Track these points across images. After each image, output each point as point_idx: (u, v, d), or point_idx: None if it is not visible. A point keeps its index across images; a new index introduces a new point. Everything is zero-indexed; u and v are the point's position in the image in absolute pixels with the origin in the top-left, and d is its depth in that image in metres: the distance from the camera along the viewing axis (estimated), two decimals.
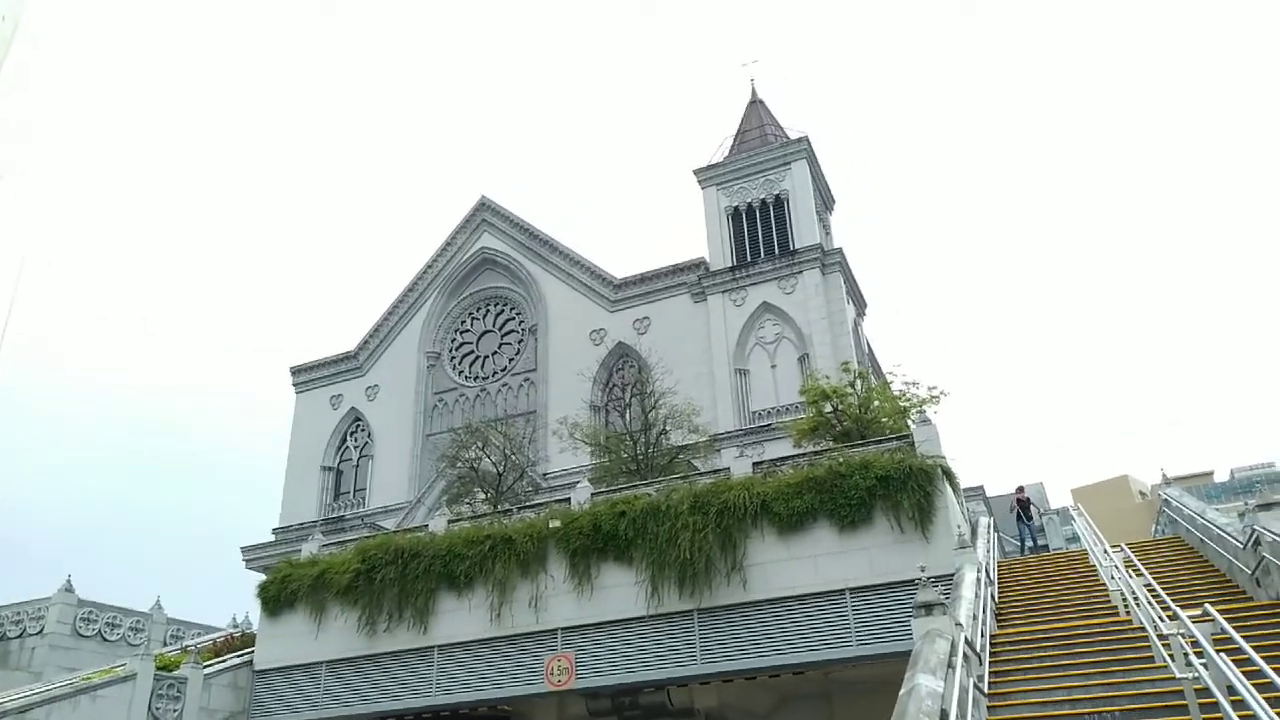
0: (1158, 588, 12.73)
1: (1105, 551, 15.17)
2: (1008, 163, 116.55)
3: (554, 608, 18.80)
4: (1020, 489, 27.54)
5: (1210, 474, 77.73)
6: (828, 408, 22.93)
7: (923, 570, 10.31)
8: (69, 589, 27.41)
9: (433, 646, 19.68)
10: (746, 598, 17.28)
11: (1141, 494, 63.83)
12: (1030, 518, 25.93)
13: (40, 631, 26.70)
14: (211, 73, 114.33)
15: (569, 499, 20.40)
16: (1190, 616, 8.12)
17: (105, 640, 27.66)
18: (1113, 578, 13.67)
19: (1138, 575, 12.46)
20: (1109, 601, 13.81)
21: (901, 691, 7.43)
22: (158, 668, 19.50)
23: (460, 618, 19.56)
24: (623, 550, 18.42)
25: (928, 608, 9.11)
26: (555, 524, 19.19)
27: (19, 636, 26.93)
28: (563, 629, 18.67)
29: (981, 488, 32.27)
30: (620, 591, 18.32)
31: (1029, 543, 25.39)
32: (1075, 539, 33.89)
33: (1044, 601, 15.35)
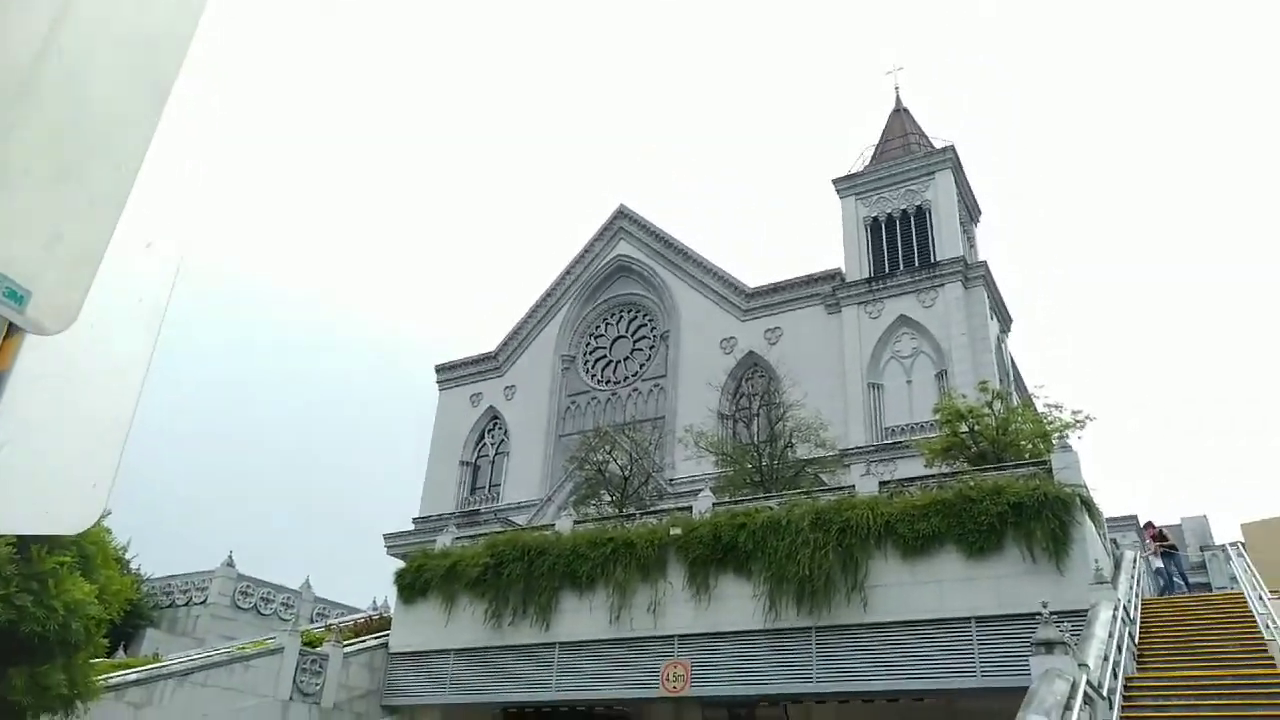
0: None
1: (1261, 597, 14.06)
2: (1180, 167, 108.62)
3: (671, 614, 18.97)
4: (1150, 524, 25.89)
5: None
6: (963, 428, 22.19)
7: (1044, 606, 9.90)
8: (230, 564, 29.73)
9: (554, 643, 20.22)
10: (867, 619, 16.94)
11: None
12: (1173, 552, 24.26)
13: (204, 601, 29.11)
14: (373, 74, 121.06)
15: (690, 507, 20.57)
16: None
17: (260, 614, 29.87)
18: (1268, 626, 12.68)
19: None
20: (1266, 651, 12.80)
21: None
22: (303, 643, 20.88)
23: (581, 617, 20.02)
24: (742, 563, 18.41)
25: (1048, 645, 8.75)
26: (676, 531, 19.38)
27: (186, 605, 29.45)
28: (680, 636, 18.81)
29: (1135, 517, 30.40)
30: (738, 603, 18.31)
31: (1178, 580, 23.71)
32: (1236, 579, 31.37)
33: (1190, 646, 14.34)
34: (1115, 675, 10.92)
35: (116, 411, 1.99)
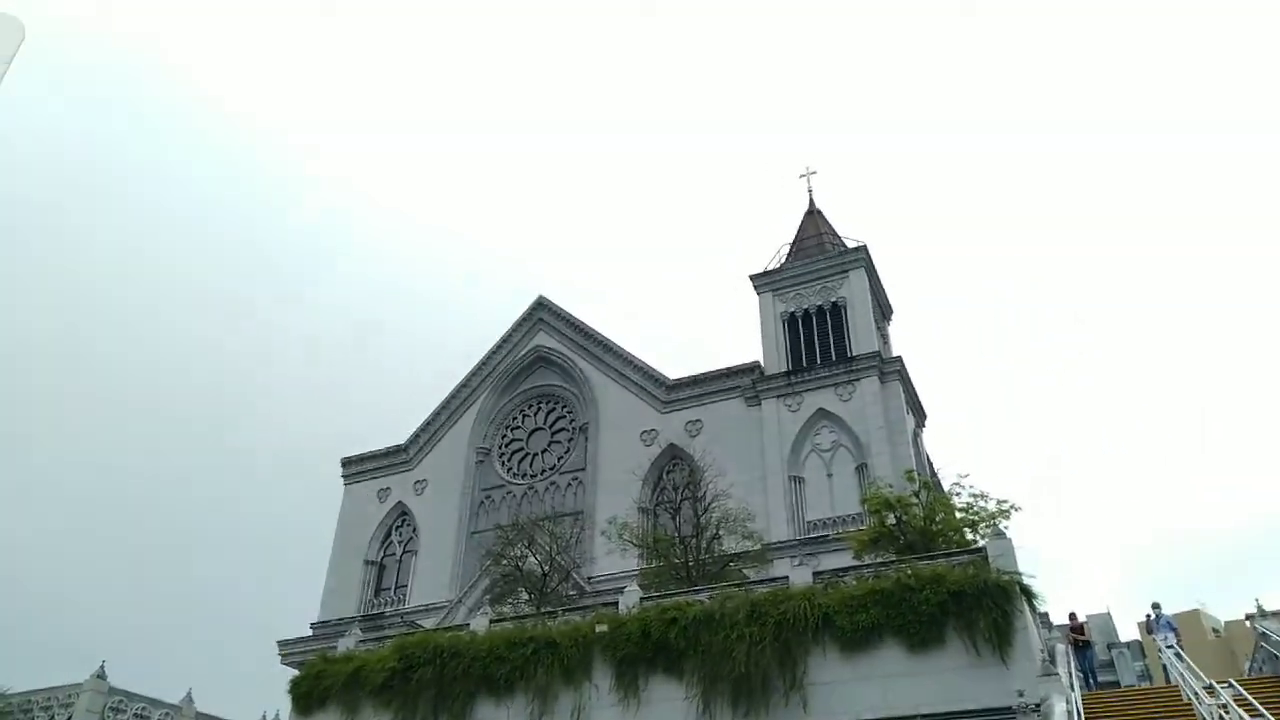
0: None
1: (1207, 689, 13.77)
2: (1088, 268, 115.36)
3: None
4: (1073, 615, 25.84)
5: None
6: (890, 518, 21.90)
7: (1020, 695, 9.29)
8: (101, 675, 26.77)
9: None
10: None
11: (1215, 631, 59.78)
12: (1088, 647, 24.00)
13: (69, 719, 25.98)
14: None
15: (616, 603, 19.47)
16: None
17: None
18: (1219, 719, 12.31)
19: (1255, 716, 11.18)
20: None
21: None
22: None
23: None
24: (673, 661, 17.33)
25: None
26: (602, 628, 18.22)
27: None
28: None
29: (1046, 614, 30.34)
30: (669, 706, 17.13)
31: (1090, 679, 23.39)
32: (1147, 676, 31.22)
33: None
34: None
35: None
